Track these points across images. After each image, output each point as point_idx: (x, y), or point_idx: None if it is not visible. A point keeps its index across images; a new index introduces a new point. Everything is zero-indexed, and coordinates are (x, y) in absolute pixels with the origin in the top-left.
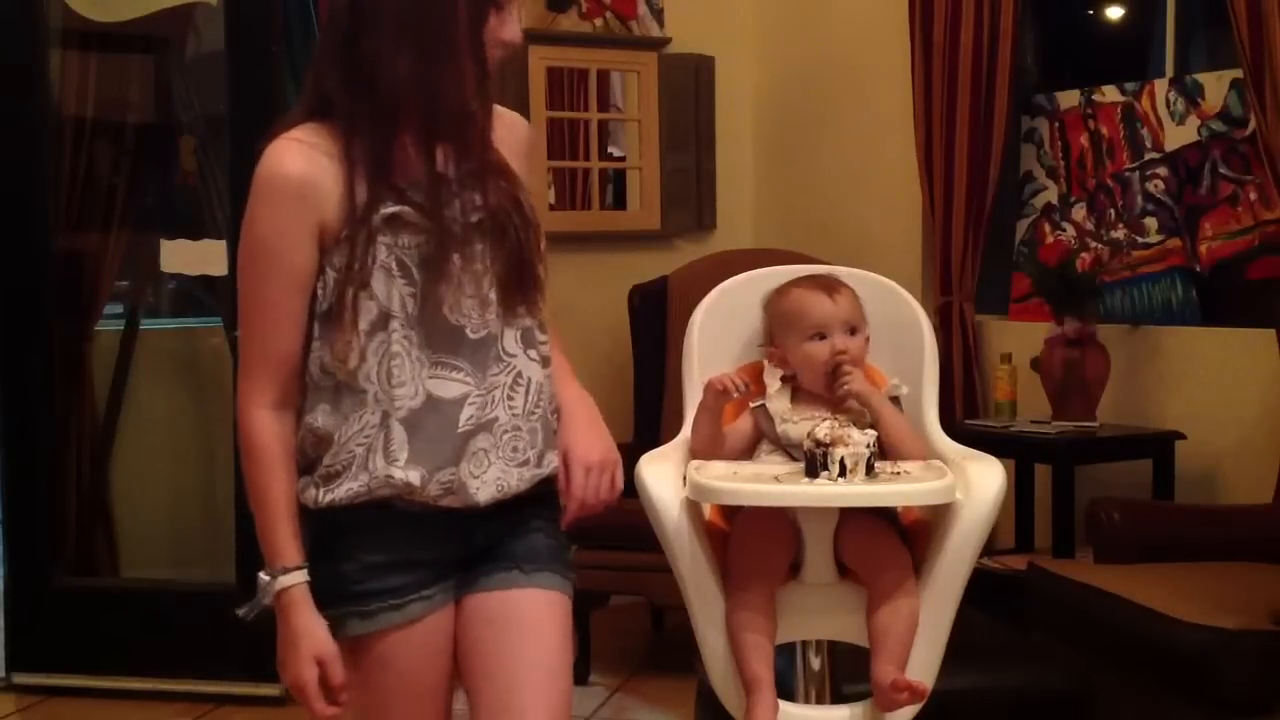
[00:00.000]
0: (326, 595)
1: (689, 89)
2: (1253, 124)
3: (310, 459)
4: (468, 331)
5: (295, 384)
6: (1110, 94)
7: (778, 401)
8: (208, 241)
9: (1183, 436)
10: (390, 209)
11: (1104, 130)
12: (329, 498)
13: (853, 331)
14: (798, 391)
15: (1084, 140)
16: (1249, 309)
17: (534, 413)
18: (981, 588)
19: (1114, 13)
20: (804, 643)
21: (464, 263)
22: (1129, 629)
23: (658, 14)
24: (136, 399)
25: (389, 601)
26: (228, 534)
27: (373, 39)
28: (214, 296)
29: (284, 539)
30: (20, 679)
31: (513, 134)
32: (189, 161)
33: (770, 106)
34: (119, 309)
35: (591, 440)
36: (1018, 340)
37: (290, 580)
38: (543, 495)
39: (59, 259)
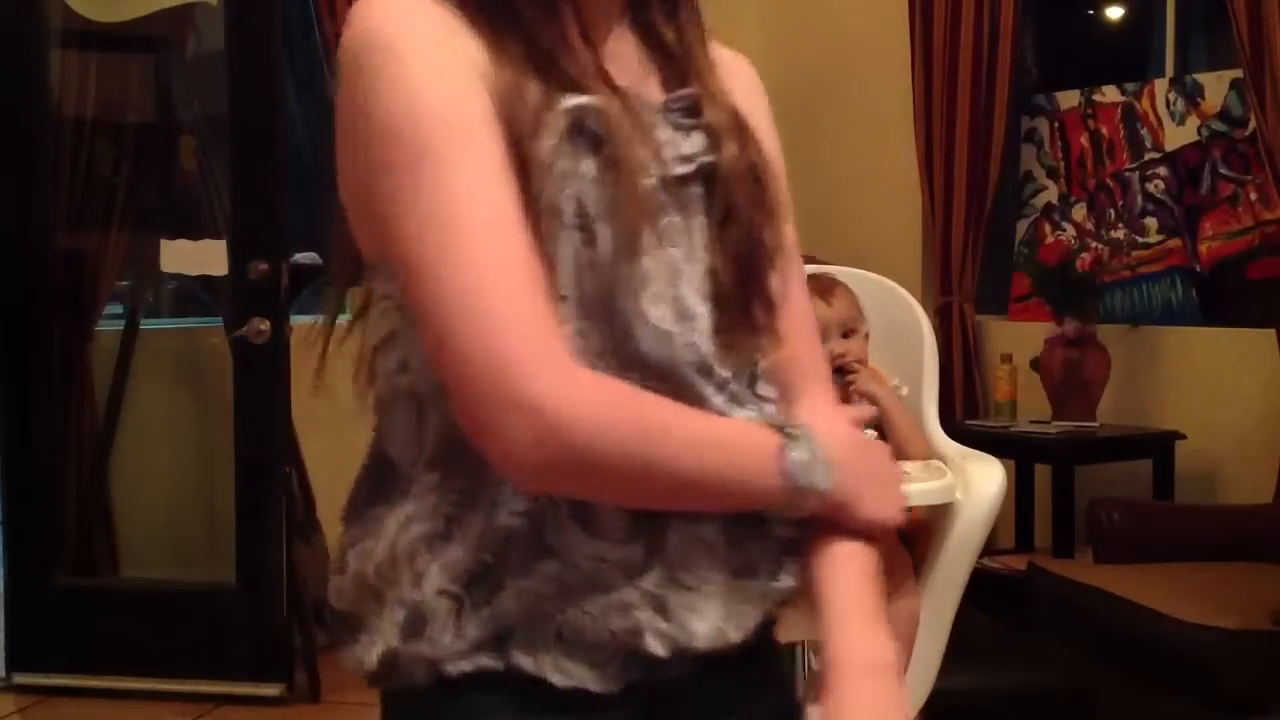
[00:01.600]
0: None
1: None
2: (1253, 124)
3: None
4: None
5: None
6: (1110, 94)
7: None
8: (208, 241)
9: (1183, 436)
10: (574, 100)
11: (1104, 130)
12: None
13: (847, 334)
14: None
15: (1084, 140)
16: (1249, 309)
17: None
18: (981, 588)
19: (1114, 13)
20: (804, 643)
21: (657, 241)
22: (1129, 629)
23: None
24: (136, 399)
25: None
26: (228, 534)
27: None
28: (214, 296)
29: (754, 429)
30: (20, 679)
31: (739, 78)
32: (189, 161)
33: (770, 107)
34: (119, 309)
35: (868, 637)
36: (1018, 340)
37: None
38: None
39: (59, 259)
